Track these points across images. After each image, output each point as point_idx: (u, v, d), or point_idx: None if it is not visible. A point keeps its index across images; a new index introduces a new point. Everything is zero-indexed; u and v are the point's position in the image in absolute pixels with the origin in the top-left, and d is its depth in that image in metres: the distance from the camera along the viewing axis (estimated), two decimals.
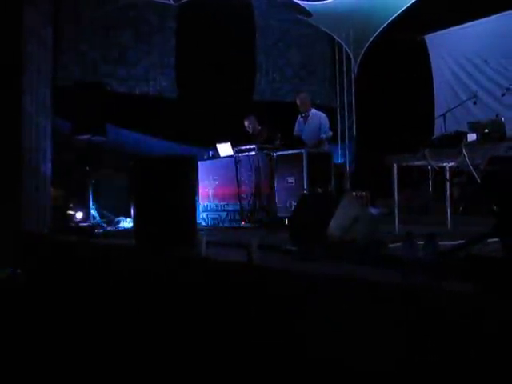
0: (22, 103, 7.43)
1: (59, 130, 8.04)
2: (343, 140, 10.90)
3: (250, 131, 8.54)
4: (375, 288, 2.73)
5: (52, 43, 7.87)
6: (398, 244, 3.66)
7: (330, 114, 9.09)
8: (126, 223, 7.30)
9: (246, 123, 8.52)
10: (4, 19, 7.17)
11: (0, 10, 7.10)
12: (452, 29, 9.50)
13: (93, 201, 7.66)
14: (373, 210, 7.28)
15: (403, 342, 2.48)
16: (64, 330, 4.15)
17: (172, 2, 8.16)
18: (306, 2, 8.81)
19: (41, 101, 7.67)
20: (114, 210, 7.80)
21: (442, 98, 9.75)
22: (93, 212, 7.58)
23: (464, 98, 8.40)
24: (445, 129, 7.39)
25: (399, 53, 9.55)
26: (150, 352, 3.64)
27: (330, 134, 8.18)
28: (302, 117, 8.34)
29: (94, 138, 7.83)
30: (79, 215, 7.63)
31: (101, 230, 7.21)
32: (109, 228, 7.36)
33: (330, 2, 8.62)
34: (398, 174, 5.97)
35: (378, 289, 2.72)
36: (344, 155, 10.75)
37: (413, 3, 8.65)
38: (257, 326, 3.24)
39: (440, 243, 2.99)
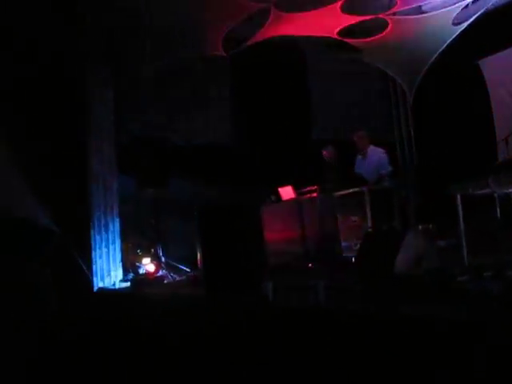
0: (89, 163, 7.71)
1: (125, 186, 8.27)
2: (405, 173, 10.77)
3: (329, 161, 8.50)
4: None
5: (112, 101, 8.17)
6: (467, 277, 3.61)
7: (390, 148, 9.04)
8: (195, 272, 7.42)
9: (325, 154, 8.51)
10: (69, 81, 7.51)
11: (65, 72, 7.43)
12: (508, 50, 9.34)
13: (161, 252, 7.83)
14: (440, 243, 7.14)
15: None
16: None
17: (224, 54, 8.37)
18: (354, 40, 8.87)
19: (106, 159, 7.95)
20: (181, 259, 7.96)
21: (502, 122, 9.54)
22: (162, 263, 7.74)
23: None
24: (507, 153, 7.22)
25: (454, 80, 9.45)
26: None
27: (390, 169, 8.12)
28: (360, 155, 8.34)
29: (157, 192, 8.06)
30: (151, 268, 7.79)
31: (170, 280, 7.38)
32: (178, 278, 7.51)
33: (378, 38, 8.65)
34: (462, 203, 5.86)
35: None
36: (406, 189, 10.59)
37: (464, 29, 8.58)
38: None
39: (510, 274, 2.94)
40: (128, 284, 7.51)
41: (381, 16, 8.14)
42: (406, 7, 7.97)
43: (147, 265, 7.74)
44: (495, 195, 6.35)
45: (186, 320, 4.70)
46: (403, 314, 3.21)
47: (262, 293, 4.40)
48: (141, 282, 7.40)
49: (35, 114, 7.17)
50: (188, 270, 7.78)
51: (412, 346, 2.88)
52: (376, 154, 8.20)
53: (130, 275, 7.73)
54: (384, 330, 3.13)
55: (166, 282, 7.47)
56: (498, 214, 7.93)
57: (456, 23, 8.40)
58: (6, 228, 6.53)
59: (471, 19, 8.28)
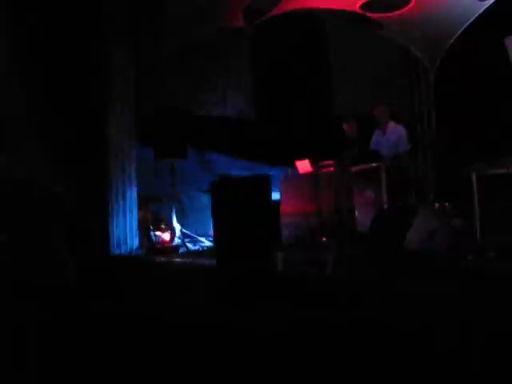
0: (108, 133, 7.78)
1: (143, 156, 8.35)
2: (424, 151, 10.71)
3: (350, 135, 8.48)
4: None
5: (133, 73, 8.22)
6: (478, 256, 3.62)
7: (410, 125, 8.98)
8: (209, 242, 7.51)
9: (346, 127, 8.47)
10: (89, 55, 7.57)
11: (87, 44, 7.49)
12: None
13: (177, 221, 7.92)
14: (456, 222, 7.12)
15: None
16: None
17: (245, 26, 8.34)
18: (377, 14, 8.76)
19: (125, 129, 8.01)
20: (198, 228, 8.05)
21: None
22: (177, 232, 7.83)
23: None
24: None
25: (477, 57, 9.32)
26: None
27: (409, 147, 8.07)
28: (379, 129, 8.28)
29: (176, 162, 8.12)
30: (166, 236, 7.88)
31: (185, 250, 7.47)
32: (192, 247, 7.60)
33: (401, 13, 8.54)
34: (477, 183, 5.83)
35: None
36: (425, 166, 10.54)
37: (490, 4, 8.43)
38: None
39: None
40: (143, 252, 7.62)
41: None
42: None
43: (163, 234, 7.83)
44: None
45: (192, 289, 4.77)
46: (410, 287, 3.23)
47: (271, 264, 4.45)
48: (156, 250, 7.49)
49: (56, 84, 7.25)
50: (203, 240, 7.87)
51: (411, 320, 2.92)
52: (396, 130, 8.14)
53: (146, 243, 7.82)
54: (392, 301, 3.16)
55: (180, 251, 7.56)
56: None
57: None
58: (25, 193, 6.64)
59: None
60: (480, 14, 8.49)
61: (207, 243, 7.75)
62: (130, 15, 8.00)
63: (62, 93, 7.23)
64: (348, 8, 8.55)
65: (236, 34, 9.33)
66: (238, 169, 9.36)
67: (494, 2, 8.30)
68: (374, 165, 7.53)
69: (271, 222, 5.39)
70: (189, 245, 7.66)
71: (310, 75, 10.10)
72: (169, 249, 7.54)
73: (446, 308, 2.64)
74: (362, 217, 7.57)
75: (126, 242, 7.77)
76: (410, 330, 2.77)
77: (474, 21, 8.62)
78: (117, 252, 7.55)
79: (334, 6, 8.54)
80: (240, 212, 5.12)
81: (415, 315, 2.80)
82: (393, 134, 8.14)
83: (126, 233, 7.81)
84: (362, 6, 8.44)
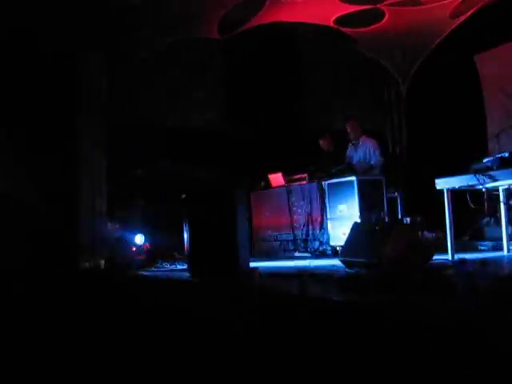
0: (79, 144, 7.66)
1: (114, 167, 8.23)
2: (395, 165, 10.78)
3: (326, 150, 8.47)
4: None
5: (106, 83, 8.12)
6: (452, 271, 3.62)
7: (382, 140, 9.04)
8: (181, 256, 7.39)
9: (321, 143, 8.47)
10: (61, 62, 7.45)
11: (57, 53, 7.38)
12: (503, 46, 9.33)
13: (147, 234, 7.79)
14: (427, 235, 7.16)
15: None
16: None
17: (219, 38, 8.32)
18: (350, 30, 8.82)
19: (96, 140, 7.90)
20: (169, 242, 7.93)
21: (494, 118, 9.55)
22: (147, 246, 7.71)
23: None
24: (499, 149, 7.23)
25: (448, 74, 9.45)
26: None
27: (382, 159, 8.12)
28: (352, 144, 8.32)
29: (147, 173, 8.02)
30: (136, 249, 7.74)
31: (155, 265, 7.35)
32: (164, 263, 7.48)
33: (374, 28, 8.61)
34: (449, 197, 5.88)
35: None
36: (396, 180, 10.60)
37: (460, 23, 8.55)
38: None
39: (495, 269, 2.94)
40: (112, 265, 7.47)
41: (378, 6, 8.09)
42: None
43: (133, 246, 7.70)
44: (483, 190, 6.38)
45: (168, 304, 4.69)
46: (386, 304, 3.20)
47: (246, 279, 4.40)
48: (126, 264, 7.35)
49: (26, 95, 7.12)
50: (175, 253, 7.76)
51: (394, 338, 2.88)
52: (368, 143, 8.20)
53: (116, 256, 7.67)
54: (364, 319, 3.13)
55: (151, 264, 7.44)
56: (486, 209, 7.99)
57: (453, 16, 8.38)
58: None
59: (469, 13, 8.25)
60: (452, 31, 8.60)
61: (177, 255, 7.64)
62: (101, 24, 7.91)
63: (32, 104, 7.10)
64: (322, 22, 8.59)
65: (209, 45, 9.30)
66: (209, 180, 9.28)
67: (464, 20, 8.41)
68: (347, 178, 7.55)
69: (245, 235, 5.33)
70: (160, 258, 7.53)
71: (283, 88, 10.10)
72: (139, 262, 7.41)
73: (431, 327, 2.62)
74: (335, 231, 7.59)
75: (94, 255, 7.63)
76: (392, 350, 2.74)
77: (447, 38, 8.72)
78: (85, 265, 7.40)
79: (309, 20, 8.58)
80: (214, 225, 5.05)
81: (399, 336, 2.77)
82: (365, 148, 8.21)
83: (94, 245, 7.67)
84: (337, 21, 8.48)
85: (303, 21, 8.60)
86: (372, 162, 8.00)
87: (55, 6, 7.14)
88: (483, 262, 2.69)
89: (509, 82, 9.46)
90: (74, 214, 7.50)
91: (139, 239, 7.69)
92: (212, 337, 4.01)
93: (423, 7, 8.14)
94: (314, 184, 7.93)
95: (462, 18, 8.39)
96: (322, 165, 8.15)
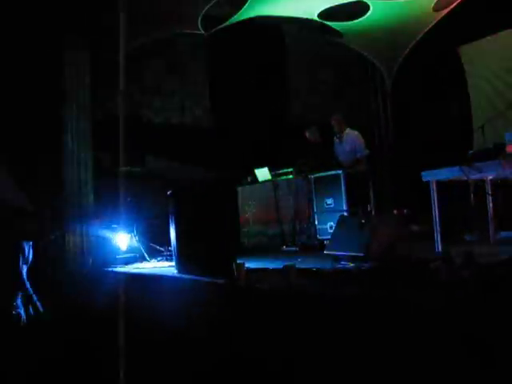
0: (64, 138, 7.63)
1: (100, 163, 8.19)
2: (381, 157, 10.81)
3: (313, 142, 8.39)
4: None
5: (89, 79, 8.07)
6: (439, 263, 3.62)
7: (368, 133, 9.05)
8: (169, 252, 7.37)
9: (307, 134, 8.40)
10: (44, 58, 7.41)
11: (40, 49, 7.32)
12: (486, 39, 9.37)
13: (136, 232, 7.76)
14: (414, 228, 7.19)
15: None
16: None
17: (203, 33, 8.27)
18: (335, 23, 8.81)
19: (81, 135, 7.86)
20: (157, 239, 7.90)
21: (479, 110, 9.60)
22: (136, 243, 7.68)
23: (502, 109, 8.26)
24: (484, 141, 7.27)
25: (432, 66, 9.48)
26: None
27: (367, 152, 8.12)
28: (337, 138, 8.32)
29: (133, 169, 7.97)
30: (122, 246, 7.72)
31: (144, 261, 7.33)
32: (152, 259, 7.47)
33: (359, 22, 8.61)
34: (436, 189, 5.91)
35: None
36: (382, 173, 10.64)
37: (444, 16, 8.57)
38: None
39: (480, 260, 2.95)
40: (100, 262, 7.44)
41: None
42: None
43: (120, 243, 7.68)
44: (469, 182, 6.41)
45: (155, 302, 4.68)
46: (373, 297, 3.21)
47: (232, 274, 4.39)
48: (113, 260, 7.33)
49: (11, 90, 7.06)
50: (161, 249, 7.74)
51: (381, 331, 2.89)
52: (352, 136, 8.20)
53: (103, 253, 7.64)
54: (354, 313, 3.14)
55: (139, 261, 7.42)
56: (472, 201, 8.02)
57: (437, 9, 8.39)
58: None
59: (452, 6, 8.27)
60: (436, 24, 8.61)
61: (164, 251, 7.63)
62: (86, 20, 7.86)
63: (17, 100, 7.04)
64: (307, 16, 8.57)
65: (193, 41, 9.26)
66: (196, 176, 9.26)
67: (448, 13, 8.43)
68: (333, 172, 7.56)
69: (233, 231, 5.32)
70: (147, 255, 7.52)
71: (268, 82, 10.09)
72: (127, 258, 7.40)
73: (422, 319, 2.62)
74: (322, 225, 7.61)
75: (82, 252, 7.60)
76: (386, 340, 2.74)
77: (431, 30, 8.74)
78: (72, 264, 7.37)
79: (293, 14, 8.56)
80: (201, 220, 5.04)
81: (385, 326, 2.77)
82: (349, 141, 8.20)
83: (82, 243, 7.64)
84: (321, 15, 8.47)
85: (287, 15, 8.57)
86: (358, 155, 8.00)
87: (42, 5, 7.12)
88: (468, 253, 2.69)
89: (493, 74, 9.52)
90: (60, 212, 7.47)
91: (125, 238, 7.67)
92: (200, 333, 4.01)
93: (407, 0, 8.15)
94: (301, 178, 7.93)
95: (446, 11, 8.39)
96: (309, 157, 8.13)
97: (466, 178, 5.93)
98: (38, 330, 4.88)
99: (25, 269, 5.26)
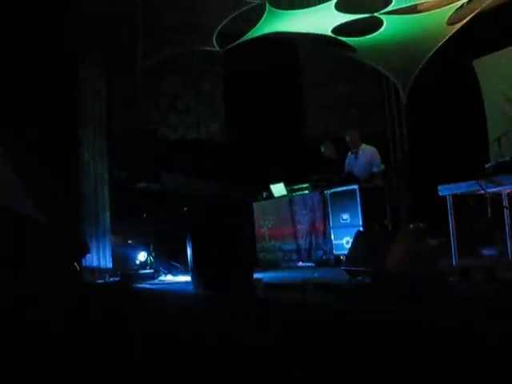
0: (80, 153, 7.68)
1: (116, 179, 8.24)
2: (397, 172, 10.78)
3: (328, 157, 8.38)
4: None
5: (105, 94, 8.14)
6: (457, 277, 3.61)
7: (382, 147, 9.04)
8: (183, 270, 7.36)
9: (323, 150, 8.40)
10: (60, 73, 7.47)
11: (57, 63, 7.39)
12: (501, 52, 9.36)
13: (151, 247, 7.79)
14: (431, 242, 7.15)
15: None
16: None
17: (218, 49, 8.34)
18: (349, 39, 8.84)
19: (97, 151, 7.91)
20: (173, 254, 7.91)
21: (494, 123, 9.56)
22: (151, 259, 7.70)
23: None
24: (500, 154, 7.23)
25: (447, 79, 9.47)
26: None
27: (383, 167, 8.11)
28: (352, 153, 8.31)
29: (149, 186, 8.02)
30: (141, 262, 7.75)
31: (161, 277, 7.34)
32: (168, 274, 7.48)
33: (372, 37, 8.63)
34: (453, 203, 5.89)
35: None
36: (398, 187, 10.60)
37: (458, 30, 8.58)
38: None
39: (501, 275, 2.93)
40: (117, 278, 7.46)
41: (376, 15, 8.12)
42: (402, 6, 7.94)
43: (138, 259, 7.70)
44: (486, 196, 6.38)
45: (172, 318, 4.68)
46: (391, 312, 3.19)
47: (251, 290, 4.39)
48: (130, 276, 7.35)
49: (26, 104, 7.12)
50: (178, 265, 7.75)
51: (399, 347, 2.88)
52: (368, 152, 8.19)
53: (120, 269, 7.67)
54: (371, 329, 3.13)
55: (156, 277, 7.43)
56: (489, 215, 7.97)
57: (451, 23, 8.40)
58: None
59: (466, 19, 8.27)
60: (450, 38, 8.61)
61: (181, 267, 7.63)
62: (102, 36, 7.95)
63: (34, 115, 7.11)
64: (320, 32, 8.61)
65: (208, 57, 9.34)
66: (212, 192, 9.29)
67: (462, 27, 8.43)
68: (349, 187, 7.55)
69: (250, 247, 5.33)
70: (164, 270, 7.53)
71: (283, 97, 10.12)
72: (144, 275, 7.41)
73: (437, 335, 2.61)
74: (338, 240, 7.59)
75: (99, 267, 7.62)
76: (399, 360, 2.73)
77: (445, 44, 8.74)
78: (89, 278, 7.39)
79: (307, 30, 8.60)
80: (218, 237, 5.05)
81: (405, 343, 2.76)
82: (365, 157, 8.19)
83: (99, 257, 7.67)
84: (334, 30, 8.51)
85: (301, 31, 8.62)
86: (374, 170, 7.99)
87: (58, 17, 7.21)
88: (490, 268, 2.67)
89: (508, 87, 9.49)
90: (77, 227, 7.50)
91: (143, 256, 7.70)
92: (217, 350, 4.00)
93: (421, 15, 8.17)
94: (317, 193, 7.93)
95: (460, 25, 8.39)
96: (324, 172, 8.13)
97: (483, 192, 5.91)
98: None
99: None
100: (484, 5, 8.07)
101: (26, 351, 4.18)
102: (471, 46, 9.17)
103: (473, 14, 8.17)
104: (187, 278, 6.49)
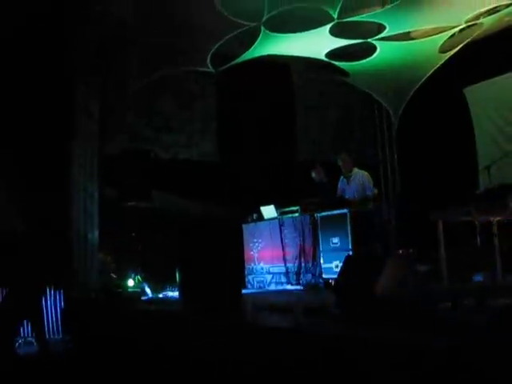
0: (71, 172, 7.66)
1: (107, 197, 8.21)
2: (387, 197, 10.80)
3: (318, 181, 8.37)
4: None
5: (99, 113, 8.15)
6: (448, 304, 3.60)
7: (373, 172, 9.07)
8: (172, 291, 7.31)
9: (313, 174, 8.40)
10: (55, 93, 7.48)
11: (52, 84, 7.40)
12: (492, 80, 9.46)
13: (140, 267, 7.74)
14: (420, 268, 7.14)
15: None
16: None
17: (212, 70, 8.37)
18: (342, 63, 8.91)
19: (88, 169, 7.90)
20: (161, 275, 7.86)
21: (484, 150, 9.64)
22: (139, 278, 7.65)
23: (507, 149, 8.29)
24: (490, 181, 7.28)
25: (439, 106, 9.55)
26: None
27: (376, 191, 8.13)
28: (344, 177, 8.33)
29: (140, 204, 7.99)
30: (129, 282, 7.69)
31: (147, 297, 7.28)
32: (156, 295, 7.41)
33: (366, 62, 8.71)
34: (443, 229, 5.91)
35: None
36: (388, 212, 10.61)
37: (450, 57, 8.67)
38: None
39: (491, 301, 2.92)
40: (104, 297, 7.38)
41: (369, 40, 8.20)
42: (395, 33, 8.03)
43: (126, 279, 7.65)
44: (476, 223, 6.40)
45: (159, 338, 4.64)
46: (381, 338, 3.18)
47: (239, 313, 4.36)
48: (118, 295, 7.28)
49: (18, 120, 7.12)
50: (167, 285, 7.69)
51: (390, 371, 2.86)
52: (359, 176, 8.21)
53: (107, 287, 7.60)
54: (362, 354, 3.11)
55: (143, 297, 7.38)
56: (478, 242, 7.98)
57: (443, 51, 8.49)
58: None
59: (457, 48, 8.37)
60: (442, 65, 8.70)
61: (171, 292, 7.56)
62: (98, 61, 7.99)
63: (28, 134, 7.09)
64: (314, 56, 8.68)
65: (202, 78, 9.37)
66: (201, 212, 9.26)
67: (454, 54, 8.53)
68: (340, 211, 7.56)
69: (238, 269, 5.31)
70: (152, 290, 7.47)
71: (275, 120, 10.16)
72: (131, 294, 7.35)
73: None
74: (328, 264, 7.57)
75: (86, 286, 7.55)
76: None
77: (437, 71, 8.82)
78: (76, 296, 7.31)
79: (301, 54, 8.67)
80: (207, 257, 5.03)
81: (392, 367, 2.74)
82: (357, 181, 8.20)
83: (86, 275, 7.61)
84: (328, 55, 8.58)
85: (295, 54, 8.68)
86: (367, 193, 8.00)
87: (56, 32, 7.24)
88: (480, 295, 2.67)
89: (498, 115, 9.58)
90: (66, 245, 7.45)
91: (131, 283, 7.65)
92: (205, 370, 3.97)
93: (414, 41, 8.26)
94: (307, 216, 7.93)
95: (451, 53, 8.49)
96: (315, 195, 8.14)
97: (472, 219, 5.93)
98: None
99: None
100: (475, 34, 8.18)
101: None
102: (462, 73, 9.28)
103: (464, 43, 8.27)
104: (176, 298, 6.44)
